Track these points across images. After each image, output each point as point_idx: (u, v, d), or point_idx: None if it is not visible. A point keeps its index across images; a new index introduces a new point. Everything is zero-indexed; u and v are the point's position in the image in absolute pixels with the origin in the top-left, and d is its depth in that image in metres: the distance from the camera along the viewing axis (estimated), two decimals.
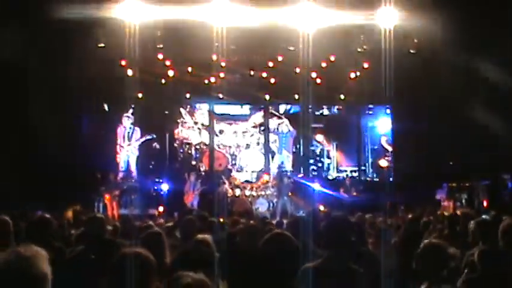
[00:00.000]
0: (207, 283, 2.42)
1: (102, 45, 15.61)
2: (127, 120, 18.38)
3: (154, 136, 18.54)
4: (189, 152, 19.41)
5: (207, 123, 19.43)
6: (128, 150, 18.35)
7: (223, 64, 16.84)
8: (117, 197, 16.02)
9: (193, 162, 19.23)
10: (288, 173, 18.33)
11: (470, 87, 15.08)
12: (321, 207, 15.49)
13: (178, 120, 19.35)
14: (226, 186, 16.95)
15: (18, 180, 14.19)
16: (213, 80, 17.28)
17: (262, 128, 19.69)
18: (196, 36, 15.09)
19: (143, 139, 18.42)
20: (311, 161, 19.55)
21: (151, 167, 18.68)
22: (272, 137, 19.82)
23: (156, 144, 18.73)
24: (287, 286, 3.08)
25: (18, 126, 14.77)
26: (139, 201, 16.59)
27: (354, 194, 16.88)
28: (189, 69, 17.43)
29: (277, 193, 16.85)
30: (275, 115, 19.77)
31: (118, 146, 18.42)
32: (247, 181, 18.31)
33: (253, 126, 19.76)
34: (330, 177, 19.46)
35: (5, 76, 14.08)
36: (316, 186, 17.27)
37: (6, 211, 6.87)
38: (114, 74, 16.38)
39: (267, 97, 18.75)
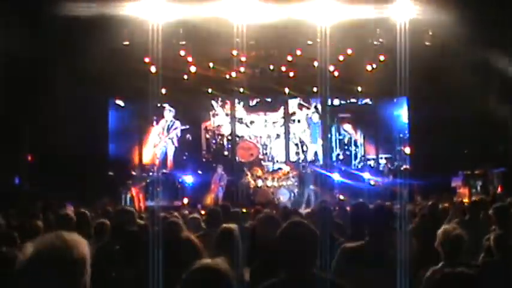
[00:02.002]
0: (221, 266, 2.37)
1: (127, 42, 16.01)
2: (169, 113, 18.67)
3: (188, 127, 18.83)
4: (221, 143, 19.60)
5: (239, 115, 19.60)
6: (165, 142, 18.66)
7: (243, 59, 17.28)
8: (143, 189, 16.47)
9: (226, 153, 19.43)
10: (307, 164, 18.46)
11: (485, 79, 15.28)
12: (341, 197, 16.02)
13: (211, 112, 19.53)
14: (249, 177, 17.26)
15: (49, 174, 14.73)
16: (233, 74, 17.57)
17: (292, 118, 19.73)
18: (217, 32, 15.50)
19: (177, 130, 18.74)
20: (338, 150, 19.64)
21: (184, 158, 18.92)
22: (302, 126, 19.81)
23: (189, 136, 19.03)
24: (307, 273, 3.00)
25: (49, 124, 15.24)
26: (164, 193, 17.11)
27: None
28: (211, 64, 17.72)
29: (299, 183, 17.02)
30: (304, 106, 19.75)
31: (157, 138, 18.67)
32: (274, 170, 18.40)
33: (283, 117, 19.73)
34: (358, 166, 19.52)
35: (36, 72, 14.48)
36: (336, 176, 17.50)
37: (35, 204, 7.05)
38: (138, 70, 16.87)
39: (287, 90, 18.89)
